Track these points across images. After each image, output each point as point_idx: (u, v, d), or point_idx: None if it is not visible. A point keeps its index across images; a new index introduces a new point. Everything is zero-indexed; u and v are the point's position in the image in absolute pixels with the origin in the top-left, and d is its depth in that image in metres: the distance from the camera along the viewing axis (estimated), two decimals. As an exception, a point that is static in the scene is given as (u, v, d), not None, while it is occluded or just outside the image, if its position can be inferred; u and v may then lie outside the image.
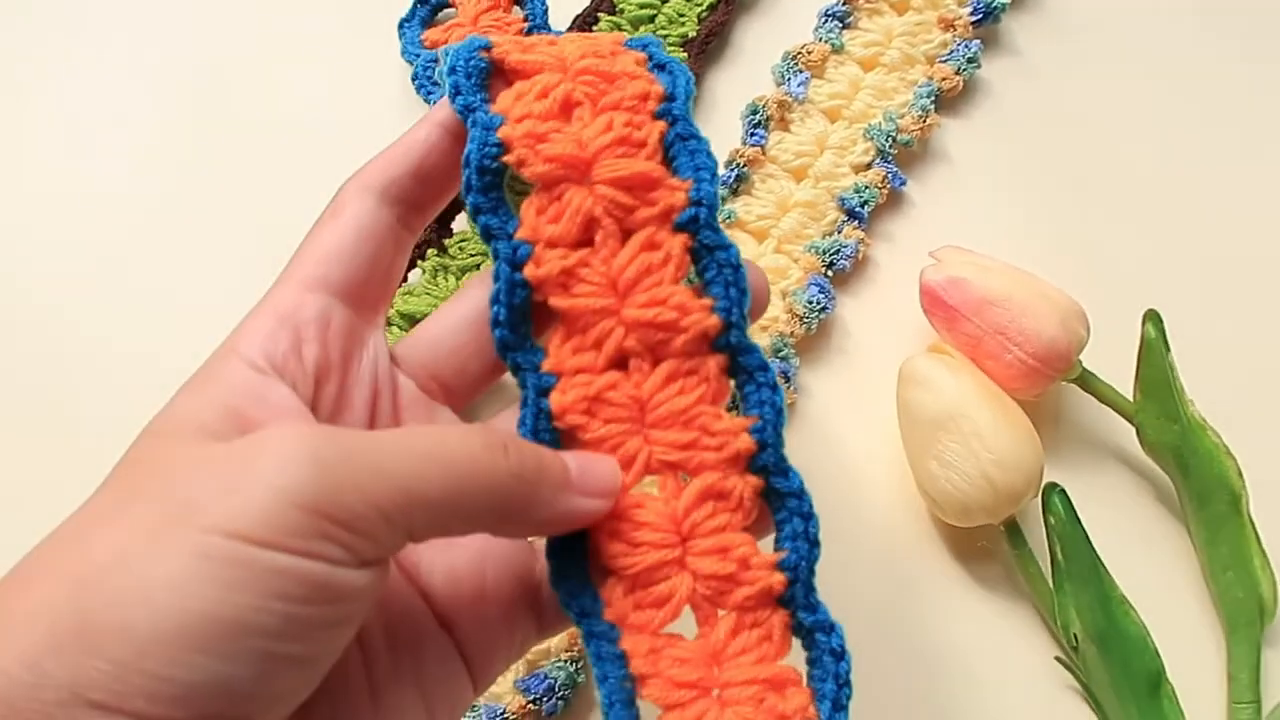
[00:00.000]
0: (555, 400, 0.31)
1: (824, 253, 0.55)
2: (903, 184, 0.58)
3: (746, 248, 0.56)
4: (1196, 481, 0.49)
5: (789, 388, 0.52)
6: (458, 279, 0.54)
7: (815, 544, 0.32)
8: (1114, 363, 0.50)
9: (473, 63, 0.33)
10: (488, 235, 0.32)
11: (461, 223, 0.56)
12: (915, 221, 0.58)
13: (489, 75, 0.33)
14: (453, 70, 0.32)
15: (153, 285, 0.54)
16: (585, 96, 0.32)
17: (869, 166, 0.58)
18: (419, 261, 0.54)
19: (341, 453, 0.26)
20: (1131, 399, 0.50)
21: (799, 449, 0.51)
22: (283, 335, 0.31)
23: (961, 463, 0.46)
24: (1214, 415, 0.50)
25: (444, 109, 0.33)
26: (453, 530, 0.29)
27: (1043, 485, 0.48)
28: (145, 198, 0.56)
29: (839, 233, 0.56)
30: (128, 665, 0.23)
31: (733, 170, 0.57)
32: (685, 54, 0.60)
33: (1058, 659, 0.48)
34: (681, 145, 0.32)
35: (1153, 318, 0.49)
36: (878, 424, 0.52)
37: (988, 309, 0.49)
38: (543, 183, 0.31)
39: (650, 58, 0.34)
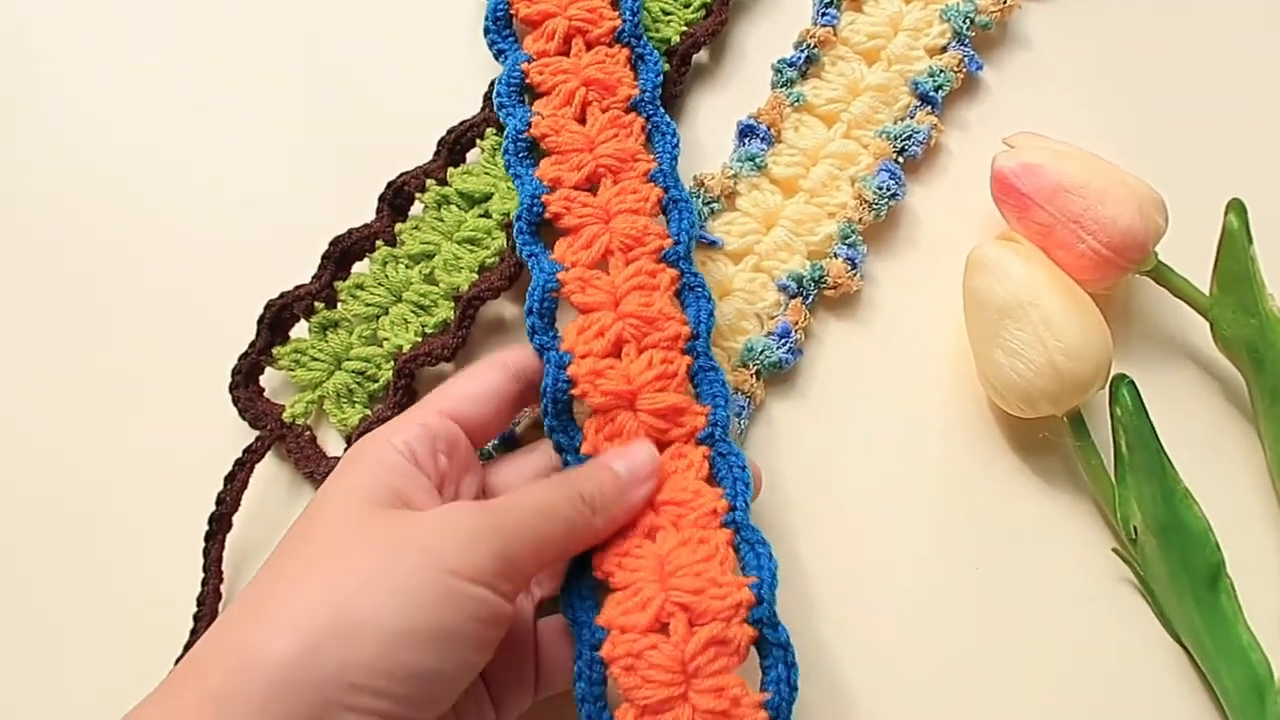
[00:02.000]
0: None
1: (895, 138, 0.54)
2: (979, 68, 0.56)
3: (815, 131, 0.54)
4: (1270, 377, 0.48)
5: (855, 275, 0.51)
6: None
7: (794, 688, 0.37)
8: (1191, 256, 0.49)
9: (545, 302, 0.44)
10: (559, 449, 0.43)
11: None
12: (991, 108, 0.56)
13: (556, 310, 0.44)
14: (529, 311, 0.44)
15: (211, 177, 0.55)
16: (631, 336, 0.43)
17: (944, 50, 0.56)
18: (478, 140, 0.53)
19: (501, 520, 0.37)
20: (1207, 293, 0.49)
21: (863, 338, 0.51)
22: (425, 442, 0.40)
23: (1028, 351, 0.45)
24: (1294, 312, 0.48)
25: None
26: (552, 565, 0.41)
27: (1110, 377, 0.47)
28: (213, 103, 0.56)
29: (911, 118, 0.55)
30: (382, 654, 0.33)
31: (802, 51, 0.56)
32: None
33: (1115, 551, 0.47)
34: (703, 376, 0.44)
35: (1236, 207, 0.48)
36: (944, 314, 0.51)
37: (1061, 196, 0.47)
38: (599, 410, 0.42)
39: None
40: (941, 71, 0.55)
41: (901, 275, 0.53)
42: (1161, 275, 0.49)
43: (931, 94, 0.55)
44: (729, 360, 0.50)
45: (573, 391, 0.42)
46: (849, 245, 0.52)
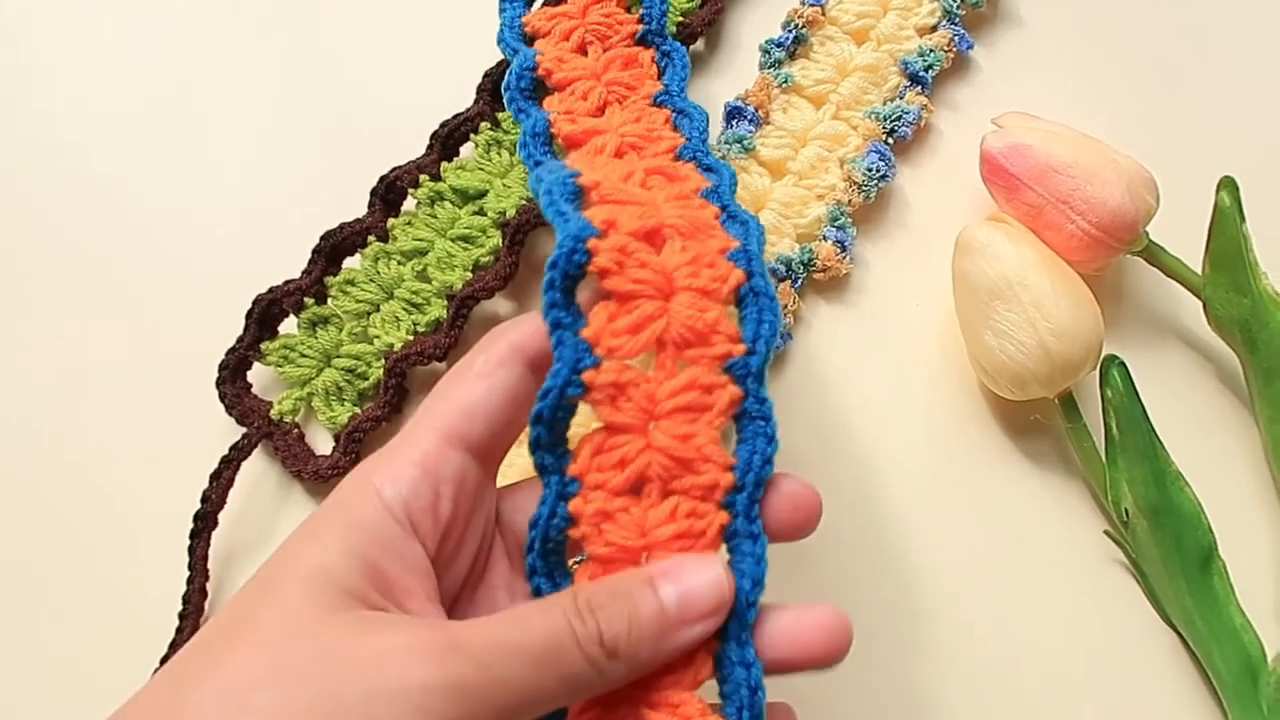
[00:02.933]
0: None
1: (884, 119, 0.53)
2: (970, 47, 0.55)
3: (804, 113, 0.54)
4: (1264, 357, 0.47)
5: (845, 258, 0.51)
6: (512, 154, 0.53)
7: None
8: (1182, 235, 0.49)
9: (575, 259, 0.33)
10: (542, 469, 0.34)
11: None
12: (981, 89, 0.56)
13: (578, 283, 0.34)
14: (550, 285, 0.33)
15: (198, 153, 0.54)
16: (658, 475, 0.34)
17: (934, 29, 0.56)
18: (471, 135, 0.53)
19: (480, 668, 0.29)
20: (1200, 272, 0.48)
21: (852, 321, 0.51)
22: (424, 488, 0.32)
23: (1018, 333, 0.45)
24: (1287, 290, 0.48)
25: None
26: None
27: (1101, 358, 0.46)
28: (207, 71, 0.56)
29: (901, 98, 0.54)
30: None
31: (790, 32, 0.55)
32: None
33: (1107, 533, 0.47)
34: (739, 542, 0.34)
35: (1228, 185, 0.47)
36: (934, 296, 0.51)
37: (1050, 176, 0.47)
38: (596, 560, 0.34)
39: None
40: (931, 51, 0.55)
41: (891, 257, 0.53)
42: (1153, 255, 0.49)
43: (921, 74, 0.54)
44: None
45: (570, 533, 0.33)
46: (838, 228, 0.52)
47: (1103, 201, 0.46)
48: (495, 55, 0.54)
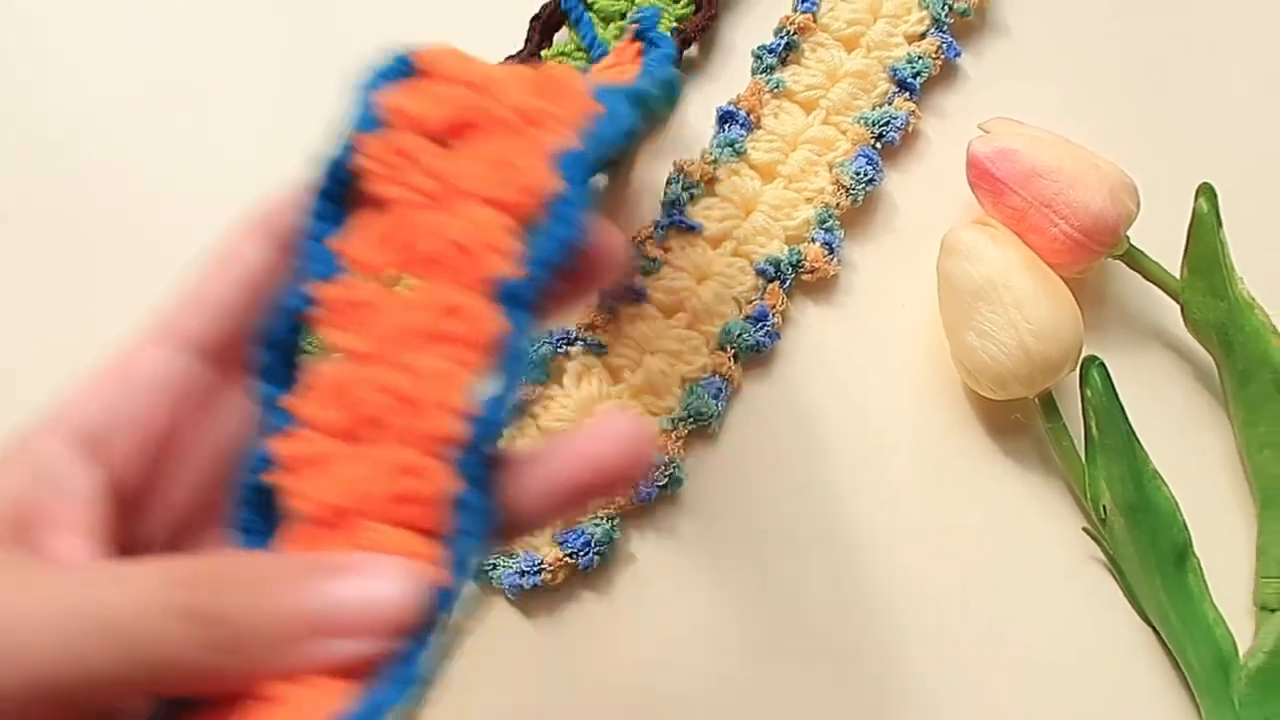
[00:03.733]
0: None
1: (873, 124, 0.54)
2: (957, 55, 0.57)
3: (794, 118, 0.55)
4: (1240, 360, 0.48)
5: (832, 260, 0.52)
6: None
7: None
8: (1163, 240, 0.50)
9: (339, 158, 0.28)
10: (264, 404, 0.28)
11: (563, 35, 0.56)
12: (969, 95, 0.57)
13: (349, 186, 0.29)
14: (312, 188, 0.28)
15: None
16: (432, 260, 0.27)
17: (923, 36, 0.57)
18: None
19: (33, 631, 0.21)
20: (1178, 277, 0.50)
21: (839, 321, 0.52)
22: (116, 395, 0.26)
23: (999, 333, 0.46)
24: (1262, 295, 0.49)
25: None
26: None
27: (1081, 359, 0.47)
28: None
29: (889, 104, 0.56)
30: None
31: (782, 38, 0.56)
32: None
33: (1085, 530, 0.48)
34: (463, 510, 0.25)
35: (1206, 191, 0.48)
36: (919, 298, 0.52)
37: (1035, 181, 0.48)
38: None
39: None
40: (920, 58, 0.56)
41: (878, 260, 0.54)
42: (1133, 259, 0.50)
43: (910, 80, 0.55)
44: (707, 343, 0.51)
45: (272, 479, 0.27)
46: (826, 230, 0.53)
47: (1085, 206, 0.47)
48: (509, 46, 0.55)
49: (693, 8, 0.57)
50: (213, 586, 0.22)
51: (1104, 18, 0.58)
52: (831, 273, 0.52)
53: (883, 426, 0.50)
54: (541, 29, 0.57)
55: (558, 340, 0.50)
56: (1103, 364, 0.47)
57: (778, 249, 0.52)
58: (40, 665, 0.21)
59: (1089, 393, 0.47)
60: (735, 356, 0.50)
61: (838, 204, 0.53)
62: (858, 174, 0.53)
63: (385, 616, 0.23)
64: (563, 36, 0.57)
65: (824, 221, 0.53)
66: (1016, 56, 0.57)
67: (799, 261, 0.52)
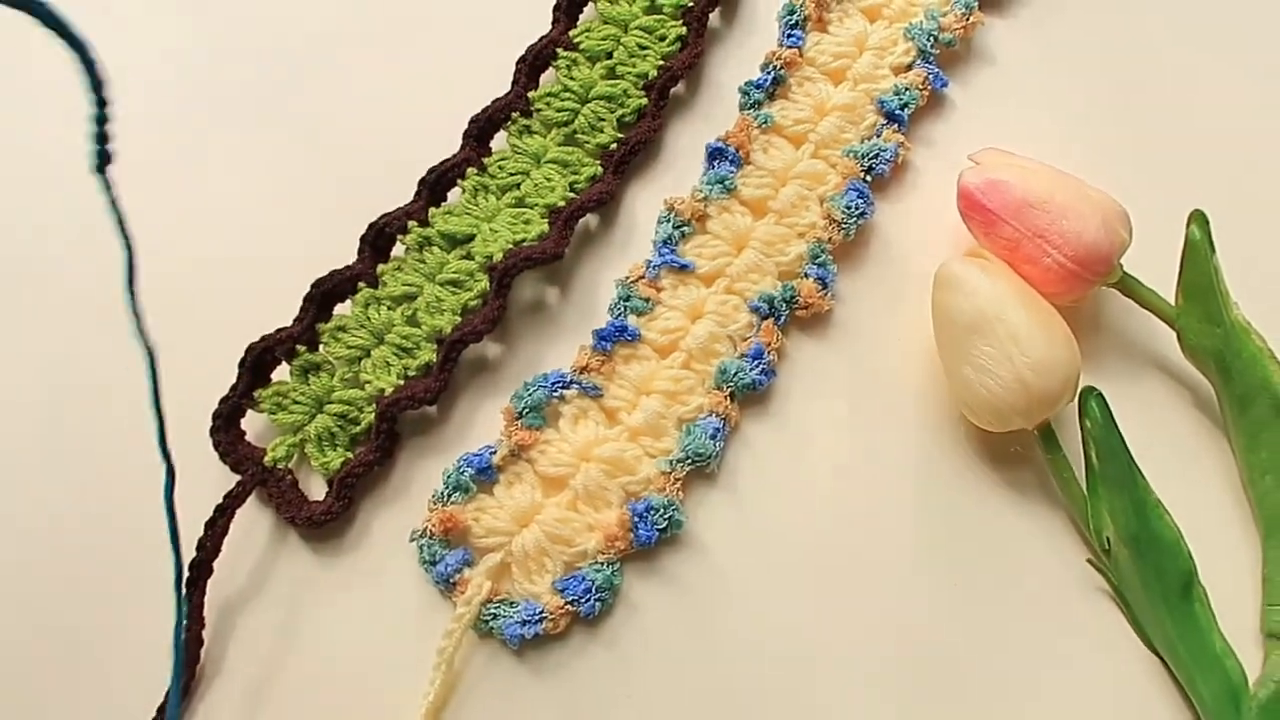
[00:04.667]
0: None
1: (862, 157, 0.54)
2: (944, 85, 0.57)
3: (784, 152, 0.55)
4: (1238, 386, 0.48)
5: (826, 294, 0.52)
6: (498, 198, 0.54)
7: None
8: (1157, 267, 0.50)
9: None
10: None
11: (500, 141, 0.56)
12: (957, 125, 0.57)
13: None
14: None
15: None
16: None
17: (909, 68, 0.57)
18: (459, 180, 0.54)
19: None
20: (1173, 303, 0.49)
21: (835, 356, 0.52)
22: None
23: (996, 367, 0.46)
24: (1258, 320, 0.49)
25: None
26: None
27: (1079, 390, 0.47)
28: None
29: (878, 136, 0.56)
30: None
31: (769, 73, 0.56)
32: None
33: (1089, 561, 0.48)
34: None
35: (1198, 218, 0.48)
36: (914, 331, 0.52)
37: (1027, 211, 0.48)
38: None
39: None
40: (907, 89, 0.56)
41: (872, 293, 0.53)
42: (1127, 287, 0.50)
43: (897, 112, 0.56)
44: (703, 383, 0.51)
45: None
46: (819, 265, 0.53)
47: (1077, 235, 0.47)
48: (482, 100, 0.55)
49: (679, 45, 0.58)
50: None
51: (1090, 45, 0.58)
52: (826, 308, 0.52)
53: (882, 461, 0.50)
54: (528, 70, 0.57)
55: (553, 384, 0.50)
56: (1101, 395, 0.47)
57: (771, 285, 0.52)
58: None
59: (1088, 424, 0.47)
60: (732, 395, 0.50)
61: (830, 238, 0.53)
62: (849, 207, 0.53)
63: None
64: (549, 77, 0.57)
65: (816, 256, 0.53)
66: (1003, 85, 0.58)
67: (793, 297, 0.52)
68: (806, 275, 0.53)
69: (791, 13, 0.58)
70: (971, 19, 0.57)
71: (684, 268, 0.52)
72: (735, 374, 0.50)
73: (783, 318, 0.52)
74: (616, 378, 0.50)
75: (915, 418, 0.51)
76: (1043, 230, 0.48)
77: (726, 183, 0.54)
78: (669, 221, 0.53)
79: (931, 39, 0.57)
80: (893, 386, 0.51)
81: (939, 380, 0.50)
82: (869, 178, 0.54)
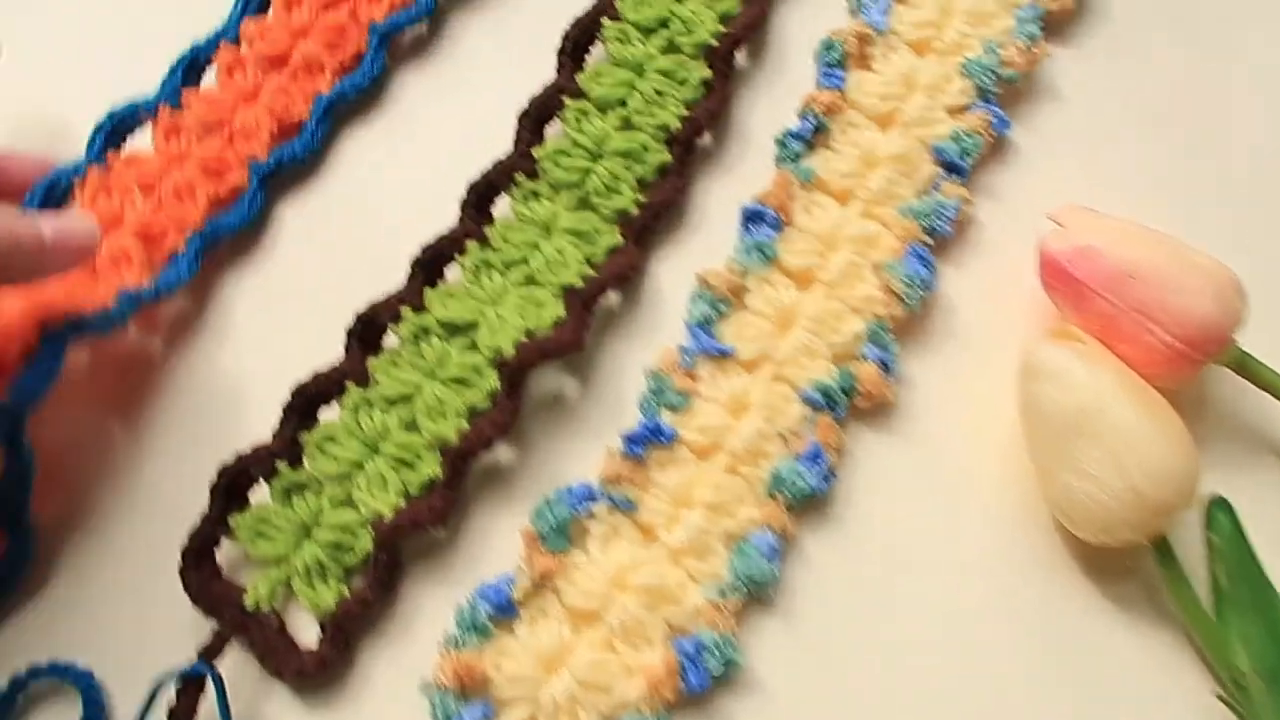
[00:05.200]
0: None
1: (921, 215, 0.48)
2: (1008, 128, 0.50)
3: (829, 212, 0.48)
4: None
5: (890, 380, 0.45)
6: (504, 276, 0.47)
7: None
8: (1274, 341, 0.43)
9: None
10: None
11: (503, 208, 0.49)
12: (1025, 173, 0.50)
13: None
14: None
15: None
16: None
17: (967, 109, 0.50)
18: (456, 256, 0.47)
19: None
20: (1297, 382, 0.43)
21: (902, 451, 0.45)
22: None
23: (1103, 474, 0.39)
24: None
25: None
26: None
27: (1201, 497, 0.40)
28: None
29: (936, 190, 0.49)
30: None
31: (808, 120, 0.49)
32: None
33: (1218, 696, 0.41)
34: None
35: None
36: (994, 420, 0.45)
37: (1124, 283, 0.41)
38: None
39: None
40: (967, 135, 0.49)
41: (941, 375, 0.47)
42: (1243, 366, 0.43)
43: (958, 161, 0.49)
44: (753, 490, 0.44)
45: None
46: (879, 345, 0.46)
47: (1186, 311, 0.40)
48: (479, 162, 0.48)
49: (703, 90, 0.50)
50: None
51: (1175, 78, 0.51)
52: (890, 397, 0.45)
53: (963, 574, 0.43)
54: (532, 124, 0.50)
55: (579, 499, 0.43)
56: (1228, 504, 0.41)
57: (825, 370, 0.45)
58: None
59: (1215, 538, 0.40)
60: (787, 505, 0.43)
61: (890, 313, 0.46)
62: (911, 277, 0.46)
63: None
64: (555, 132, 0.50)
65: (876, 335, 0.46)
66: (1074, 126, 0.51)
67: (851, 386, 0.45)
68: (865, 358, 0.46)
69: (830, 49, 0.51)
70: (1036, 50, 0.50)
71: (723, 353, 0.45)
72: (790, 480, 0.43)
73: (841, 410, 0.45)
74: (652, 488, 0.43)
75: (1000, 524, 0.44)
76: (1144, 305, 0.41)
77: (766, 250, 0.47)
78: (703, 299, 0.46)
79: (992, 75, 0.50)
80: (973, 487, 0.45)
81: (1027, 477, 0.44)
82: (930, 239, 0.47)
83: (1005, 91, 0.50)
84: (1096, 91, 0.51)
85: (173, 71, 0.51)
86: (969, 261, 0.48)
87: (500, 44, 0.53)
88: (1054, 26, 0.52)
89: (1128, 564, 0.43)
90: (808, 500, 0.44)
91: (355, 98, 0.52)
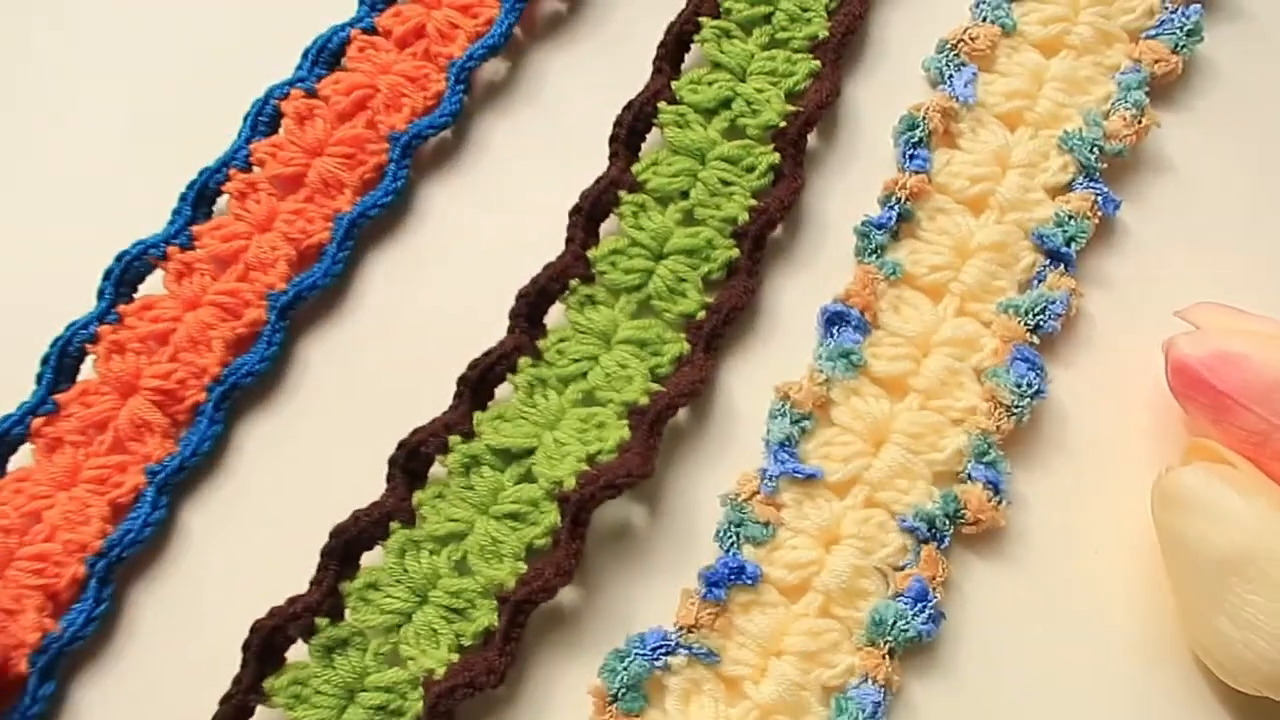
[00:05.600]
0: None
1: (1026, 312, 0.42)
2: (1117, 208, 0.45)
3: (921, 311, 0.43)
4: None
5: (999, 502, 0.40)
6: (560, 394, 0.42)
7: None
8: None
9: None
10: None
11: (557, 315, 0.44)
12: (1140, 258, 0.45)
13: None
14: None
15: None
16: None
17: (1069, 188, 0.45)
18: (509, 375, 0.43)
19: None
20: None
21: (1018, 584, 0.39)
22: None
23: (1270, 623, 0.34)
24: None
25: None
26: None
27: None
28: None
29: (1039, 282, 0.43)
30: None
31: (892, 207, 0.44)
32: (816, 60, 0.47)
33: None
34: None
35: None
36: (1119, 542, 0.40)
37: (1277, 395, 0.36)
38: None
39: None
40: (1071, 218, 0.44)
41: (1057, 494, 0.41)
42: None
43: (1063, 249, 0.43)
44: (850, 635, 0.38)
45: None
46: (986, 463, 0.40)
47: (1357, 429, 0.35)
48: (519, 276, 0.44)
49: (771, 178, 0.46)
50: None
51: None
52: (1001, 522, 0.40)
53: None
54: (584, 222, 0.46)
55: (654, 650, 0.38)
56: None
57: (924, 493, 0.40)
58: None
59: None
60: (891, 652, 0.38)
61: (997, 426, 0.41)
62: (1019, 385, 0.41)
63: None
64: (610, 228, 0.46)
65: (982, 452, 0.41)
66: (1192, 201, 0.46)
67: (957, 511, 0.40)
68: (971, 478, 0.40)
69: (914, 127, 0.46)
70: (1144, 120, 0.45)
71: (810, 477, 0.40)
72: (895, 624, 0.38)
73: (945, 539, 0.40)
74: (735, 635, 0.38)
75: (1134, 666, 0.39)
76: (1304, 421, 0.35)
77: (853, 357, 0.42)
78: (785, 416, 0.41)
79: (1095, 150, 0.45)
80: (1098, 621, 0.40)
81: (1163, 613, 0.38)
82: (1036, 338, 0.42)
83: (1111, 165, 0.45)
84: (1216, 163, 0.46)
85: (180, 204, 0.47)
86: (1077, 360, 0.43)
87: (533, 145, 0.49)
88: (1161, 90, 0.47)
89: (1292, 717, 0.37)
90: (913, 644, 0.38)
91: (379, 215, 0.47)
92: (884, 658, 0.38)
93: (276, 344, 0.45)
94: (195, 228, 0.46)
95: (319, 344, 0.45)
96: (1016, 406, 0.41)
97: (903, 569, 0.39)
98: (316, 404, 0.44)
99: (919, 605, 0.38)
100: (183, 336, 0.44)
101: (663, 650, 0.38)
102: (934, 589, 0.39)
